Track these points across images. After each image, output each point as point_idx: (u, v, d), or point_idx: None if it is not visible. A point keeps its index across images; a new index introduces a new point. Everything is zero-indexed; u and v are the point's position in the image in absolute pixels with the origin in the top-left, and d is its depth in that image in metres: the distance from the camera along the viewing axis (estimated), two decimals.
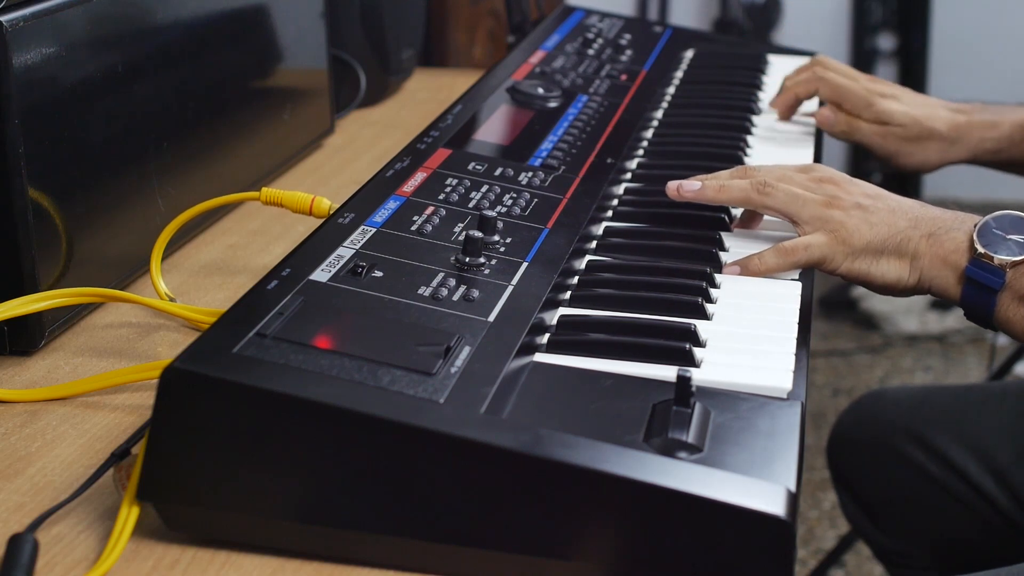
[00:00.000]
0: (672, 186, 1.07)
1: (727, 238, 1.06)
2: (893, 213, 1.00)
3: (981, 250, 0.95)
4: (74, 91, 1.02)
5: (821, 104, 1.42)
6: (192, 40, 1.21)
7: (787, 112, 1.43)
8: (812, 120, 1.45)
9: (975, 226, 0.97)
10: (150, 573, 0.74)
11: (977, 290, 0.96)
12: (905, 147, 1.37)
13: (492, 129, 1.22)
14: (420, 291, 0.85)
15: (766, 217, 1.09)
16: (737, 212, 1.11)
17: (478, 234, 0.91)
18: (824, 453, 1.54)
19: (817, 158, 1.36)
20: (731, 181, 1.05)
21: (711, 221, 1.08)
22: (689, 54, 1.65)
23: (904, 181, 3.45)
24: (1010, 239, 0.95)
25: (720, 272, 1.00)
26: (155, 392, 0.72)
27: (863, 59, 3.57)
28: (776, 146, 1.36)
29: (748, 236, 1.08)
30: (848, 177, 1.04)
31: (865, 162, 3.49)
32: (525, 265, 0.93)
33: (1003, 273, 0.94)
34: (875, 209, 1.00)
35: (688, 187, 1.06)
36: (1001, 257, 0.94)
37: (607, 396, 0.80)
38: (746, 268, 1.00)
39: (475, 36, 2.19)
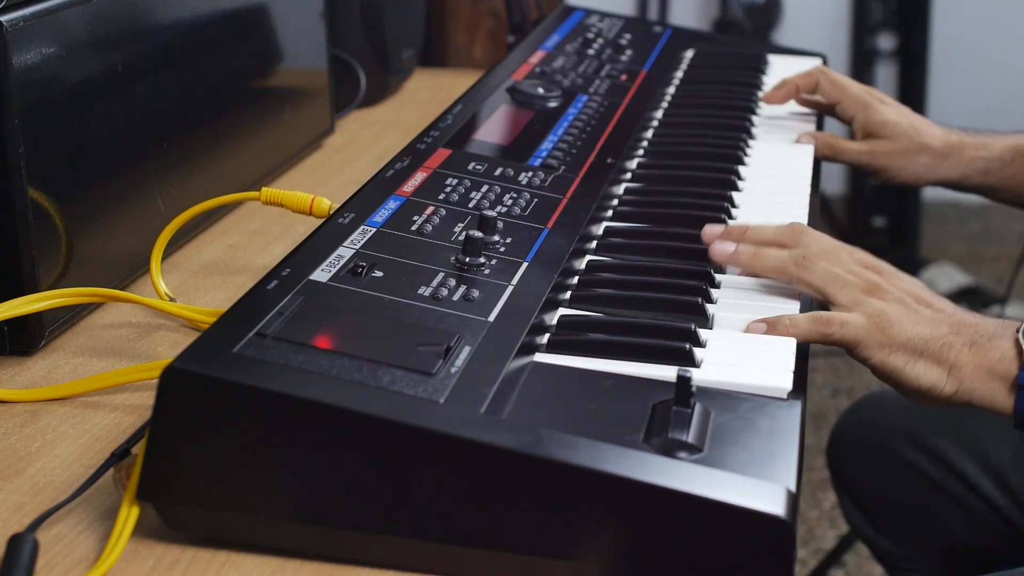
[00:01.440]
0: (707, 237, 1.01)
1: None
2: (936, 315, 0.94)
3: None
4: (74, 91, 1.02)
5: (820, 122, 1.42)
6: (192, 40, 1.21)
7: (780, 101, 1.44)
8: (812, 120, 1.45)
9: (1019, 331, 0.91)
10: (150, 573, 0.74)
11: None
12: (895, 161, 1.35)
13: (492, 129, 1.22)
14: (420, 291, 0.85)
15: (775, 214, 1.08)
16: (741, 203, 1.10)
17: (478, 234, 0.91)
18: (824, 454, 1.54)
19: (817, 159, 1.36)
20: (767, 250, 0.98)
21: (711, 221, 1.08)
22: (689, 54, 1.65)
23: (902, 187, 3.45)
24: None
25: (721, 272, 1.00)
26: (155, 392, 0.72)
27: (863, 59, 3.57)
28: (776, 147, 1.36)
29: None
30: (894, 269, 0.99)
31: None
32: (525, 265, 0.93)
33: None
34: (917, 308, 0.94)
35: (721, 250, 0.99)
36: None
37: (607, 396, 0.80)
38: (773, 328, 0.92)
39: (475, 36, 2.19)
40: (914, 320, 0.93)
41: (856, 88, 1.38)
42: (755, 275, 1.00)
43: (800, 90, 1.42)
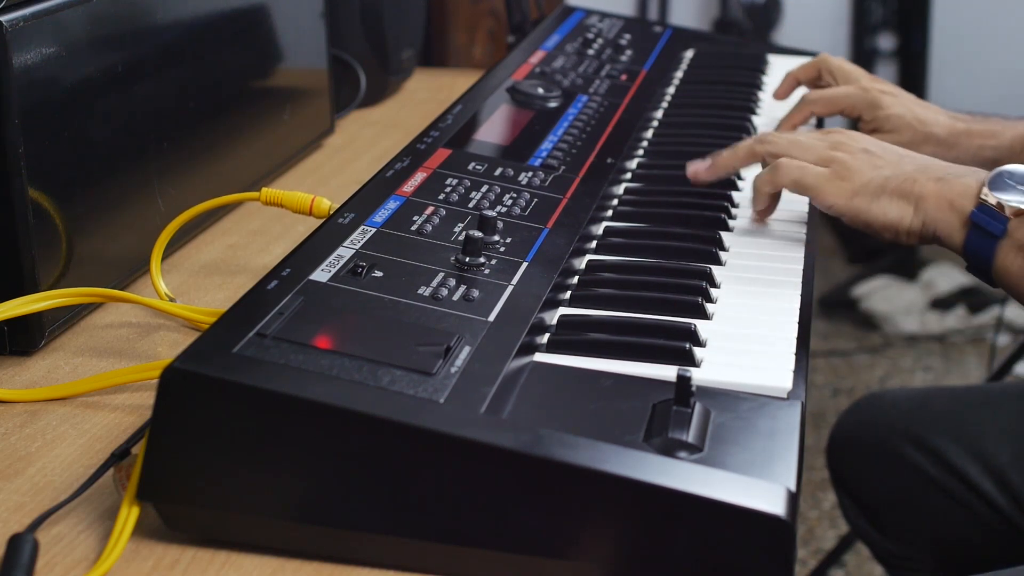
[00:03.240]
0: (690, 171, 1.13)
1: (727, 238, 1.06)
2: (900, 159, 1.01)
3: (989, 196, 0.93)
4: (74, 91, 1.02)
5: (820, 122, 1.42)
6: (192, 40, 1.21)
7: (784, 96, 1.46)
8: (813, 120, 1.45)
9: (988, 175, 0.95)
10: (150, 573, 0.74)
11: (980, 236, 0.93)
12: None
13: (492, 129, 1.22)
14: (420, 291, 0.85)
15: (774, 216, 1.09)
16: (741, 202, 1.11)
17: (478, 234, 0.91)
18: (824, 454, 1.54)
19: None
20: (736, 145, 1.10)
21: (711, 221, 1.08)
22: (689, 54, 1.65)
23: None
24: (1021, 188, 0.93)
25: (720, 264, 1.00)
26: (155, 392, 0.72)
27: (863, 59, 3.57)
28: None
29: (749, 236, 1.08)
30: (860, 133, 1.06)
31: None
32: (525, 265, 0.93)
33: (1005, 220, 0.92)
34: (881, 155, 1.01)
35: (698, 167, 1.12)
36: (1009, 201, 0.92)
37: (607, 396, 0.80)
38: (757, 194, 1.06)
39: (475, 36, 2.19)
40: (876, 165, 1.00)
41: (858, 92, 1.37)
42: (728, 169, 1.12)
43: (800, 82, 1.43)
